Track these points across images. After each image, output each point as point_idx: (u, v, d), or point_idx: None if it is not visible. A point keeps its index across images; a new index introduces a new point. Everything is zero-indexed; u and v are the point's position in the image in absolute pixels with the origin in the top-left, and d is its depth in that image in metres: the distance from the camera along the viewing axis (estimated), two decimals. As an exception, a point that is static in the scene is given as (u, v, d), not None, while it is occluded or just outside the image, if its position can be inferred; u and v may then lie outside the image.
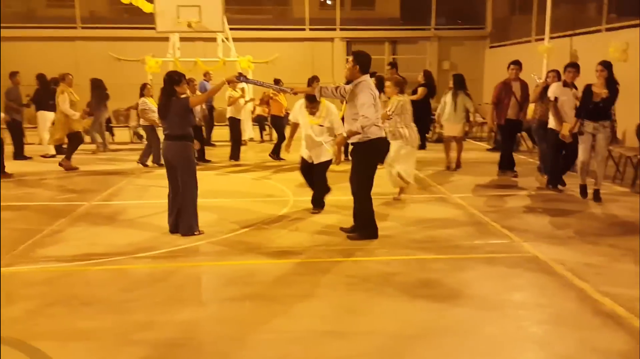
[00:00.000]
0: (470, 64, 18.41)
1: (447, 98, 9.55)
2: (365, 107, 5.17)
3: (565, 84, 7.74)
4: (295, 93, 6.16)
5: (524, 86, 8.78)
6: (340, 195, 7.30)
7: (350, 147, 5.58)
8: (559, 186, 7.87)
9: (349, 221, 5.87)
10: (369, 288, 4.48)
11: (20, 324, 3.83)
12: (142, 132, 14.10)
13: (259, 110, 13.32)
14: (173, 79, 5.49)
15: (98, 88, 12.30)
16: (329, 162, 6.61)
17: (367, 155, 5.41)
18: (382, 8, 22.68)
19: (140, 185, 8.71)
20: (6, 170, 9.24)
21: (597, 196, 7.12)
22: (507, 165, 8.94)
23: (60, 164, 9.88)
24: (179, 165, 5.59)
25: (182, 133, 5.54)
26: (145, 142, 10.89)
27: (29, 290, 4.45)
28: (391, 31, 19.70)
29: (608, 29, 12.27)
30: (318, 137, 6.51)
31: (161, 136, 6.09)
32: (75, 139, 10.07)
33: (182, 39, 14.61)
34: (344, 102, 5.78)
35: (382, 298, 4.27)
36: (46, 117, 11.64)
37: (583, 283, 4.48)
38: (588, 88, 6.96)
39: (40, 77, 11.88)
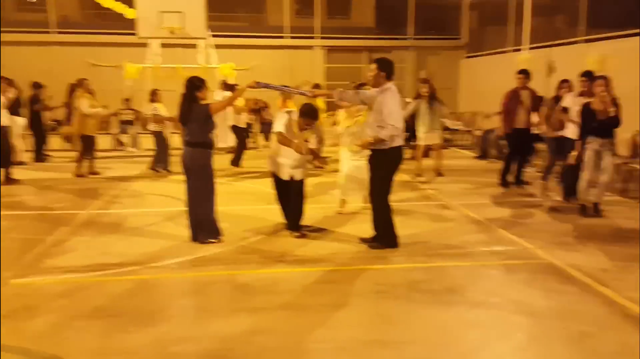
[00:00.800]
0: (446, 73, 18.71)
1: (422, 107, 9.37)
2: (394, 115, 5.19)
3: (582, 94, 7.48)
4: (315, 97, 6.10)
5: (534, 95, 8.73)
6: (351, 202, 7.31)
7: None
8: (572, 199, 7.38)
9: (359, 228, 5.81)
10: (398, 295, 4.47)
11: (47, 339, 3.65)
12: (123, 139, 13.86)
13: (245, 117, 13.20)
14: (195, 85, 5.37)
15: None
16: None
17: (387, 163, 5.39)
18: (358, 17, 22.89)
19: (134, 191, 8.49)
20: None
21: (597, 210, 6.97)
22: (507, 175, 8.86)
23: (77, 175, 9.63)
24: (196, 171, 5.47)
25: (200, 140, 5.42)
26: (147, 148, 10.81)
27: (49, 302, 4.25)
28: (370, 40, 19.90)
29: (587, 41, 12.65)
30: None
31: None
32: (87, 143, 9.70)
33: (161, 45, 14.40)
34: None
35: (414, 305, 4.26)
36: (16, 123, 11.10)
37: (604, 289, 4.57)
38: (587, 108, 6.68)
39: (9, 83, 11.26)
